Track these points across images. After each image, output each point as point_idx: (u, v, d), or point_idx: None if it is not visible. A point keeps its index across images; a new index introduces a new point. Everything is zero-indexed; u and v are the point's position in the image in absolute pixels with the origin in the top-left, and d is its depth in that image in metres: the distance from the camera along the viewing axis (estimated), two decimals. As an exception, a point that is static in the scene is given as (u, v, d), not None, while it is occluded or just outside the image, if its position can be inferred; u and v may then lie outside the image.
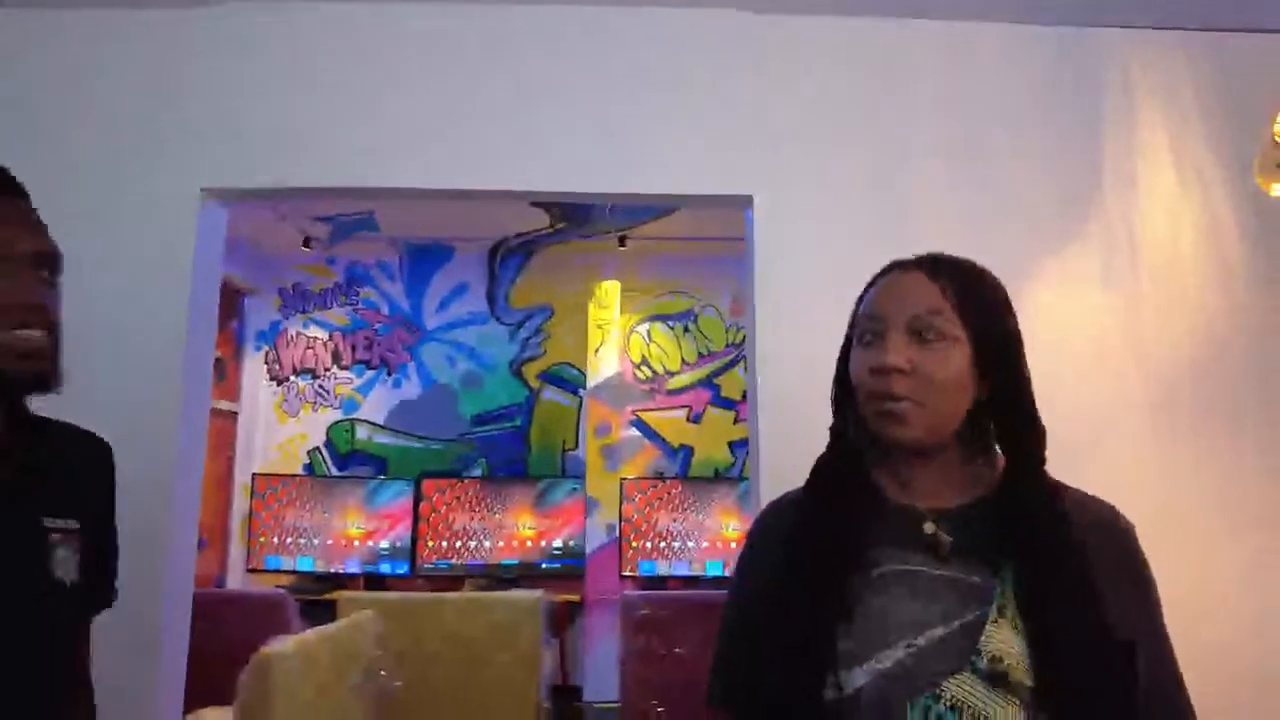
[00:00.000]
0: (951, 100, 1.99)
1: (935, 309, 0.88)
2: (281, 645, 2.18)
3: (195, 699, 2.73)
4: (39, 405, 1.06)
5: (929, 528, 0.88)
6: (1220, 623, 1.78)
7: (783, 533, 0.94)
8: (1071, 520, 0.86)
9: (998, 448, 0.94)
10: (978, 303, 0.91)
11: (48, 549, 1.00)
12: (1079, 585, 0.82)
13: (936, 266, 0.93)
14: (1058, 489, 0.91)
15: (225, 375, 4.57)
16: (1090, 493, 0.94)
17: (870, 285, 0.96)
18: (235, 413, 4.66)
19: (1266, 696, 1.75)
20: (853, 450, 0.95)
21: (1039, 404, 0.93)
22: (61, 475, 1.07)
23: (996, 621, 0.81)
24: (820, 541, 0.89)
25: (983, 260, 0.94)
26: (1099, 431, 1.84)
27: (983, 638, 0.81)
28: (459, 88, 1.98)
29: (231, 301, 4.69)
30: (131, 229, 1.89)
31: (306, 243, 4.59)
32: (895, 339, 0.88)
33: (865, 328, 0.92)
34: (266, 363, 4.84)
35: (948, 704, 0.79)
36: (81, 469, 1.12)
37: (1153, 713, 0.82)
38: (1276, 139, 1.38)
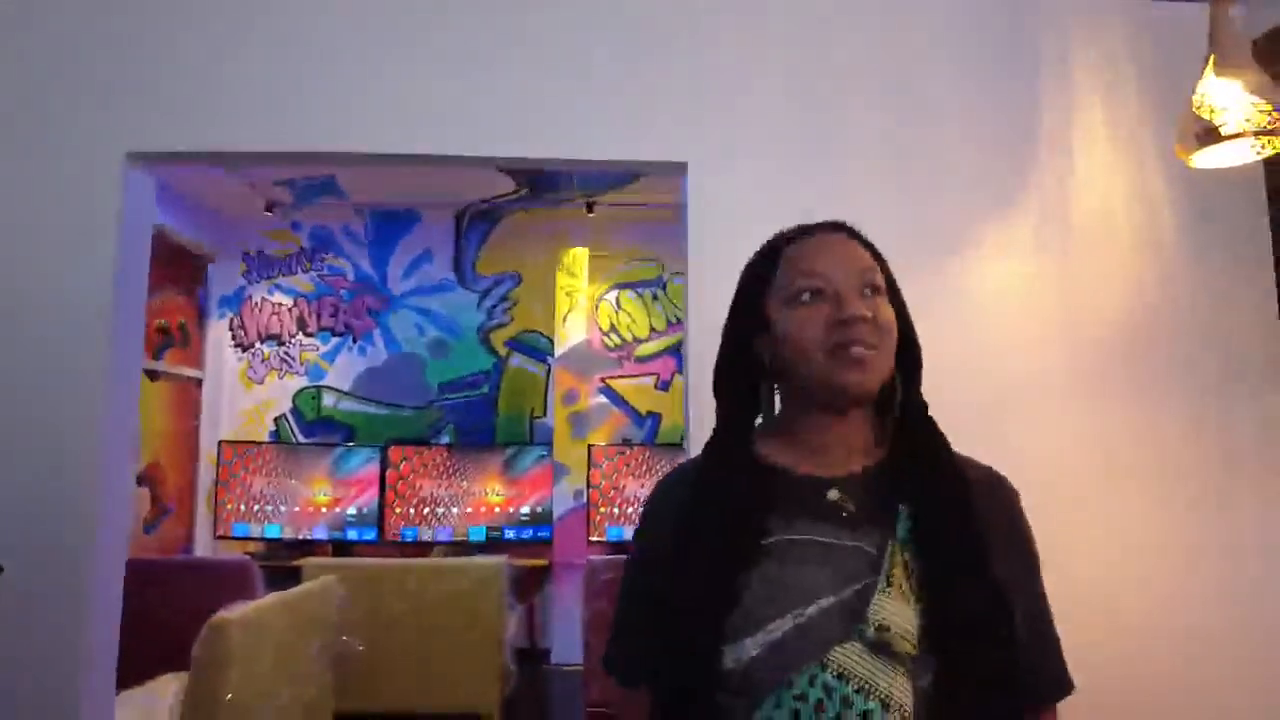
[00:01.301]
0: (888, 65, 1.98)
1: (872, 266, 0.94)
2: (238, 610, 2.20)
3: (159, 665, 2.75)
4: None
5: (833, 494, 0.89)
6: (1145, 585, 1.84)
7: (678, 503, 0.93)
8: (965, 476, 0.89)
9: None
10: (887, 266, 0.97)
11: None
12: (969, 532, 0.84)
13: (850, 230, 0.98)
14: (948, 448, 0.93)
15: (189, 342, 4.53)
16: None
17: (785, 249, 0.97)
18: (200, 380, 4.62)
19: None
20: (744, 427, 0.97)
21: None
22: None
23: (886, 589, 0.81)
24: (714, 514, 0.89)
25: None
26: (1029, 397, 1.85)
27: (872, 605, 0.81)
28: (389, 50, 1.93)
29: (195, 268, 4.63)
30: (54, 195, 1.84)
31: (269, 207, 4.54)
32: (851, 293, 0.90)
33: (803, 286, 0.91)
34: (231, 329, 4.79)
35: (834, 673, 0.79)
36: None
37: (1028, 675, 0.83)
38: (1196, 110, 1.40)
